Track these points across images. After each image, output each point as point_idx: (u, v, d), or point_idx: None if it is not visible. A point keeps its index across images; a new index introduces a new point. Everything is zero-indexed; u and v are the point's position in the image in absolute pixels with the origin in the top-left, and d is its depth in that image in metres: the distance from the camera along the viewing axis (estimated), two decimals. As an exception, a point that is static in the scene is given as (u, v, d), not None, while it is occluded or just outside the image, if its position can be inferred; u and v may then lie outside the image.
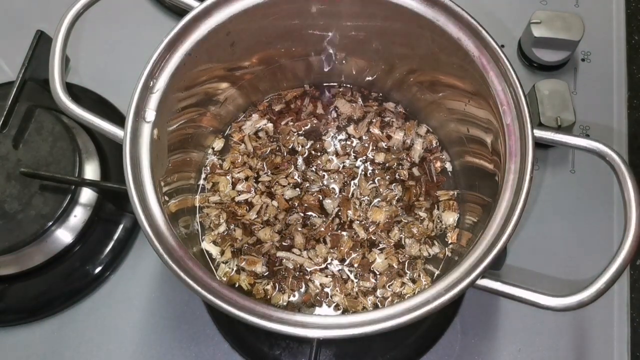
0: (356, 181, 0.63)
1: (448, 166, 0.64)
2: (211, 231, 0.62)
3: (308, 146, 0.65)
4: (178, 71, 0.51)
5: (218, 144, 0.65)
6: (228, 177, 0.64)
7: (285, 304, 0.58)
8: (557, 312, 0.44)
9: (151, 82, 0.50)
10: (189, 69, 0.53)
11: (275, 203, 0.62)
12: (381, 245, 0.61)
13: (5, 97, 0.63)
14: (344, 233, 0.61)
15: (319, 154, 0.65)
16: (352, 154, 0.65)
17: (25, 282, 0.62)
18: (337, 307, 0.59)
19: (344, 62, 0.64)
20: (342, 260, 0.60)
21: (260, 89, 0.66)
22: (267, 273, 0.60)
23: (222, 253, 0.61)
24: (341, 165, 0.64)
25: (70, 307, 0.63)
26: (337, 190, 0.63)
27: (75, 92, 0.70)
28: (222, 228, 0.62)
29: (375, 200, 0.62)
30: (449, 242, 0.61)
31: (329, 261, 0.60)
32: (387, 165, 0.64)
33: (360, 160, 0.65)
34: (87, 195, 0.64)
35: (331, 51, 0.62)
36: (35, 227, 0.60)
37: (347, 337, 0.42)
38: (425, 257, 0.60)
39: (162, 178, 0.51)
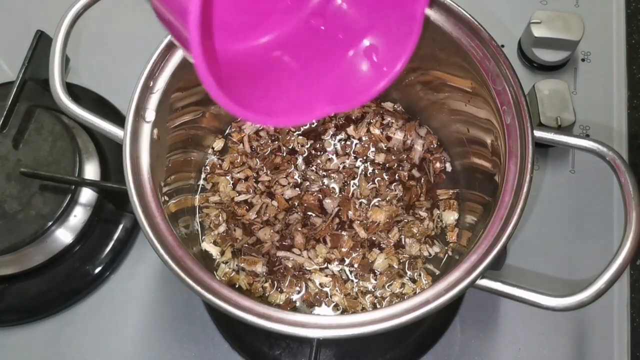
0: (356, 181, 0.63)
1: (448, 166, 0.64)
2: (211, 231, 0.62)
3: (308, 146, 0.65)
4: (178, 71, 0.51)
5: (218, 144, 0.65)
6: (228, 177, 0.64)
7: (282, 302, 0.58)
8: (557, 312, 0.44)
9: (151, 82, 0.50)
10: (189, 69, 0.53)
11: (275, 203, 0.62)
12: (381, 245, 0.61)
13: (5, 97, 0.63)
14: (344, 233, 0.61)
15: (319, 153, 0.65)
16: (352, 155, 0.65)
17: (25, 282, 0.62)
18: (336, 307, 0.59)
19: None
20: (342, 260, 0.60)
21: (260, 89, 0.66)
22: (267, 272, 0.60)
23: (222, 253, 0.61)
24: (341, 166, 0.64)
25: (70, 307, 0.63)
26: (337, 190, 0.63)
27: (75, 92, 0.70)
28: (222, 228, 0.61)
29: (375, 200, 0.62)
30: (449, 241, 0.61)
31: (329, 261, 0.60)
32: (387, 166, 0.64)
33: (360, 161, 0.65)
34: (87, 195, 0.64)
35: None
36: (35, 227, 0.60)
37: (347, 337, 0.42)
38: (425, 256, 0.60)
39: (162, 178, 0.51)
